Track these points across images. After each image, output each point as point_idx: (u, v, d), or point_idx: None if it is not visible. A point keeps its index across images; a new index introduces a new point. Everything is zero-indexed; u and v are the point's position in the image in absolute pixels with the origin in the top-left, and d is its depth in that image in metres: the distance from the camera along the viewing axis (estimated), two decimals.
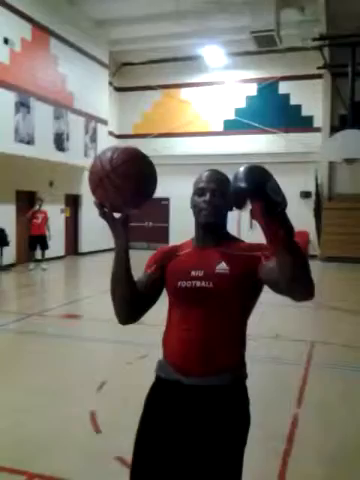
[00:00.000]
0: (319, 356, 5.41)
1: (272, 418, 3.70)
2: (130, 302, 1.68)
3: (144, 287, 1.72)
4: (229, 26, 13.57)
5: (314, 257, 14.37)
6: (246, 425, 1.70)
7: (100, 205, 1.57)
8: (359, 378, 4.82)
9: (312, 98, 15.74)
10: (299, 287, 1.41)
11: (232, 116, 16.77)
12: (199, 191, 1.72)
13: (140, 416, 1.76)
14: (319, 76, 15.45)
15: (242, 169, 1.33)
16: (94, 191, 1.56)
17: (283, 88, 16.23)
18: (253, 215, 1.34)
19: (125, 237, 1.60)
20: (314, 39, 13.80)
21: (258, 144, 16.21)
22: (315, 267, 11.60)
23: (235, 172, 1.34)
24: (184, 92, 17.31)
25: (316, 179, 15.33)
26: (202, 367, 1.65)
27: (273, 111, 16.12)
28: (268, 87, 16.35)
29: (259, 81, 16.46)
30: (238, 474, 1.65)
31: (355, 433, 3.60)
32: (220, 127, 16.94)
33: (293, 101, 16.13)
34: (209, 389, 1.66)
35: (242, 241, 1.79)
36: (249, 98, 16.64)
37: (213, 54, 15.71)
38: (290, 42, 13.79)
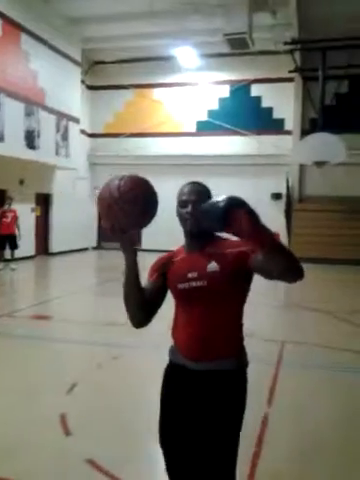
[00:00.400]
0: (291, 355, 5.47)
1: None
2: (142, 306, 1.93)
3: (150, 293, 1.96)
4: (202, 28, 13.61)
5: None
6: (243, 407, 1.94)
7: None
8: (332, 377, 4.90)
9: (283, 101, 15.97)
10: (291, 274, 1.64)
11: (205, 117, 16.85)
12: (182, 203, 1.93)
13: (160, 392, 2.04)
14: (290, 79, 15.68)
15: (216, 199, 1.51)
16: (103, 215, 1.81)
17: (255, 91, 16.40)
18: (235, 231, 1.51)
19: (132, 250, 1.86)
20: (286, 43, 13.98)
21: (230, 146, 16.33)
22: None
23: (210, 206, 1.51)
24: (157, 92, 17.30)
25: (287, 181, 15.54)
26: (208, 356, 1.89)
27: (245, 113, 16.27)
28: (240, 89, 16.50)
29: (232, 83, 16.60)
30: (236, 449, 1.91)
31: (326, 431, 3.66)
32: (193, 128, 17.00)
33: (265, 104, 16.33)
34: (214, 374, 1.90)
35: (226, 239, 1.94)
36: (222, 100, 16.75)
37: (186, 55, 15.77)
38: (262, 45, 13.94)
